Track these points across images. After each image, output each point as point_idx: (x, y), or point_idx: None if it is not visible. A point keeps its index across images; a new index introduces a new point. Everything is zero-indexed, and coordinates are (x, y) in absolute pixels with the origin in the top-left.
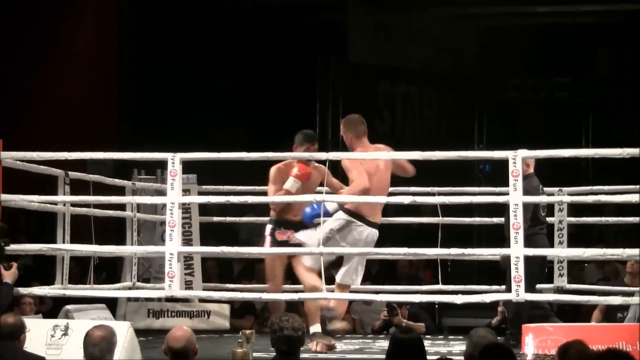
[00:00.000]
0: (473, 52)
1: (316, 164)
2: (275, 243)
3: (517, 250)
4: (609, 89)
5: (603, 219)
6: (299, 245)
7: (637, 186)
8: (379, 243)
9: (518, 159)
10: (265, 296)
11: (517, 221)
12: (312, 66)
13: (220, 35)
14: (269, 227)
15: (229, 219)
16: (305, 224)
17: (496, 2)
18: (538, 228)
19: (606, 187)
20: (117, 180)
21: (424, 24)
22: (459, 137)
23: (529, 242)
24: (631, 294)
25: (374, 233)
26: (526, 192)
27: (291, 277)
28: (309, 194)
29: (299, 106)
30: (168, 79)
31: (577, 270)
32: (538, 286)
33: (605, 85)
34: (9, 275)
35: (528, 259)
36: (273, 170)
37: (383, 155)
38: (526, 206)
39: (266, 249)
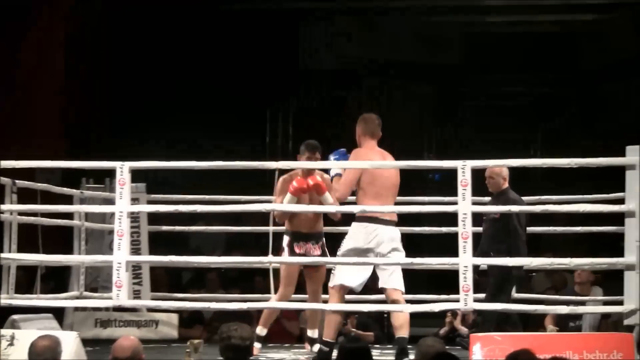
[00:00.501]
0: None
1: (324, 174)
2: (293, 255)
3: (465, 260)
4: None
5: (552, 228)
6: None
7: (587, 196)
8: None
9: (467, 169)
10: (214, 305)
11: (465, 230)
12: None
13: (179, 38)
14: (286, 239)
15: (178, 228)
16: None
17: None
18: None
19: (554, 197)
20: (65, 189)
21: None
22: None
23: (520, 253)
24: (580, 303)
25: (390, 230)
26: (514, 202)
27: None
28: (316, 203)
29: (249, 114)
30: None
31: (525, 279)
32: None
33: None
34: None
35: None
36: (280, 181)
37: (328, 164)
38: (522, 217)
39: (214, 259)
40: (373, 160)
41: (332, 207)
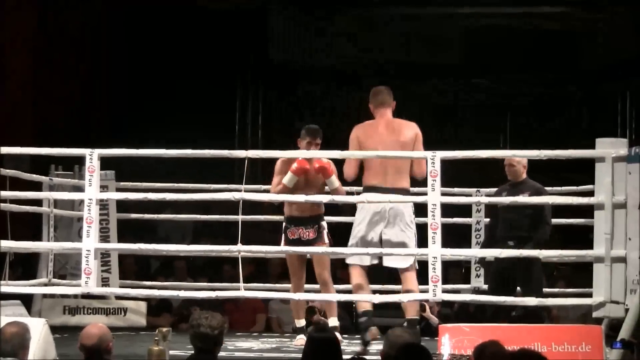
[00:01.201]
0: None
1: (323, 160)
2: (288, 241)
3: (434, 251)
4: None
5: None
6: (310, 243)
7: (556, 188)
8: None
9: (437, 159)
10: (183, 294)
11: (434, 221)
12: (232, 63)
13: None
14: (283, 224)
15: (147, 215)
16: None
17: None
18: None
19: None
20: (34, 175)
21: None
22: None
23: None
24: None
25: (394, 197)
26: (538, 190)
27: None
28: (314, 188)
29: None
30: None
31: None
32: (457, 287)
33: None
34: None
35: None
36: (279, 162)
37: (298, 154)
38: (548, 210)
39: (183, 247)
40: (377, 130)
41: (300, 197)
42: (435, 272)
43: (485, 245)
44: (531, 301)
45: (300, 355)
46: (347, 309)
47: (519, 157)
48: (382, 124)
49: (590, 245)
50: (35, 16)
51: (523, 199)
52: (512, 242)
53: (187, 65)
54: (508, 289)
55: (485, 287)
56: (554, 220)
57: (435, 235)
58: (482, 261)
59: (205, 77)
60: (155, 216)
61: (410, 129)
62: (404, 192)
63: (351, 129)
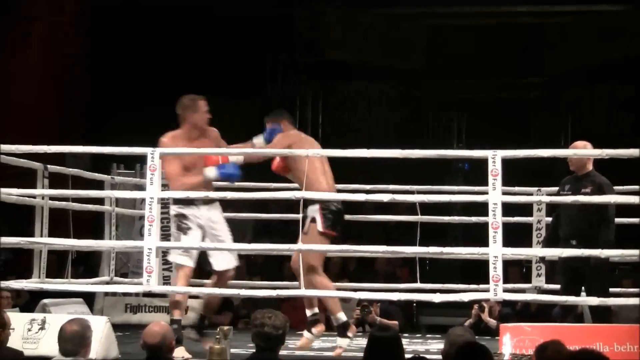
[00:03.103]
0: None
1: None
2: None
3: (495, 250)
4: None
5: None
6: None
7: (618, 187)
8: (357, 241)
9: (497, 159)
10: (243, 292)
11: (495, 220)
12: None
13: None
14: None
15: None
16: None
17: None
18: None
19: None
20: (96, 174)
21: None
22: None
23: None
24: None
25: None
26: (600, 187)
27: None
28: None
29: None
30: (137, 71)
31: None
32: (518, 286)
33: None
34: None
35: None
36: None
37: (363, 153)
38: (612, 207)
39: (245, 246)
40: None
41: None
42: (496, 271)
43: (547, 242)
44: (592, 300)
45: (361, 354)
46: (406, 310)
47: (580, 155)
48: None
49: None
50: None
51: (583, 198)
52: (574, 240)
53: (243, 66)
54: (578, 288)
55: (547, 286)
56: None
57: (496, 235)
58: (543, 260)
59: (262, 76)
60: None
61: None
62: None
63: None
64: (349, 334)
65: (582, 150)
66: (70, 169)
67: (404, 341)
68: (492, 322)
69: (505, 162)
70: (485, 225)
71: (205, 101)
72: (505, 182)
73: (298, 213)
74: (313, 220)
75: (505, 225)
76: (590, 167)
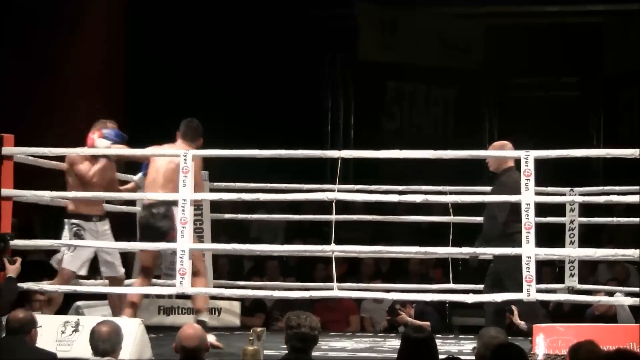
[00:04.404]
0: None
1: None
2: None
3: (528, 250)
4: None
5: (614, 219)
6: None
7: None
8: (390, 241)
9: (530, 159)
10: (277, 294)
11: (528, 221)
12: (320, 63)
13: (227, 32)
14: None
15: (240, 216)
16: None
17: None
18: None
19: (617, 188)
20: (128, 175)
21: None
22: (465, 135)
23: (513, 242)
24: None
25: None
26: (503, 186)
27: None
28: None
29: (307, 104)
30: (173, 76)
31: (586, 270)
32: (551, 286)
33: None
34: (13, 270)
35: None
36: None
37: (396, 154)
38: (503, 205)
39: (277, 247)
40: None
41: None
42: (529, 271)
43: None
44: (627, 300)
45: (395, 355)
46: (439, 310)
47: (612, 155)
48: None
49: None
50: None
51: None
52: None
53: (276, 68)
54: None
55: (580, 286)
56: (631, 220)
57: (529, 235)
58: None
59: (294, 78)
60: (248, 216)
61: None
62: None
63: None
64: None
65: (617, 151)
66: None
67: (437, 342)
68: (524, 324)
69: (540, 161)
70: None
71: None
72: (540, 182)
73: (330, 214)
74: None
75: (538, 226)
76: (506, 166)
